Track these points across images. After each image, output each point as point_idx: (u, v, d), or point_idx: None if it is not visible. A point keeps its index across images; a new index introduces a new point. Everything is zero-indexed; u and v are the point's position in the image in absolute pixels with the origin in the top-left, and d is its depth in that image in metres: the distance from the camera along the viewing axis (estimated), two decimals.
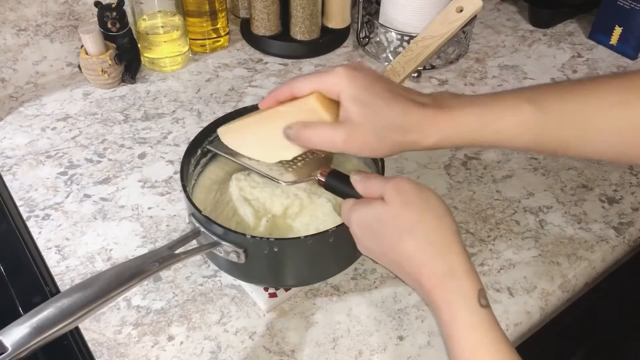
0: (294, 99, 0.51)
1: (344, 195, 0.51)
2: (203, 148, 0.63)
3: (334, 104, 0.49)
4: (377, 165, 0.59)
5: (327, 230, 0.51)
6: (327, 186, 0.53)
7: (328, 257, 0.56)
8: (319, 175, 0.53)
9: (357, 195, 0.49)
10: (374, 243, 0.46)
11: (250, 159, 0.57)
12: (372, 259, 0.49)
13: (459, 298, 0.41)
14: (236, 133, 0.58)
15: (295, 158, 0.56)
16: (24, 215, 0.69)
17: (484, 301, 0.41)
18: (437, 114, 0.47)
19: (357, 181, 0.48)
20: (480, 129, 0.47)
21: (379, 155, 0.49)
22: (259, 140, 0.56)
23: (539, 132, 0.47)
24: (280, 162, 0.56)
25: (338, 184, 0.52)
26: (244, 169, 0.61)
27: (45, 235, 0.66)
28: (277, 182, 0.55)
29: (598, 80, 0.49)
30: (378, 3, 0.95)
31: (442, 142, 0.47)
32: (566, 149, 0.49)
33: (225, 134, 0.58)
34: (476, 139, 0.48)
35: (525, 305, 0.60)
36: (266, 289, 0.59)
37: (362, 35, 0.98)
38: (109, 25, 0.84)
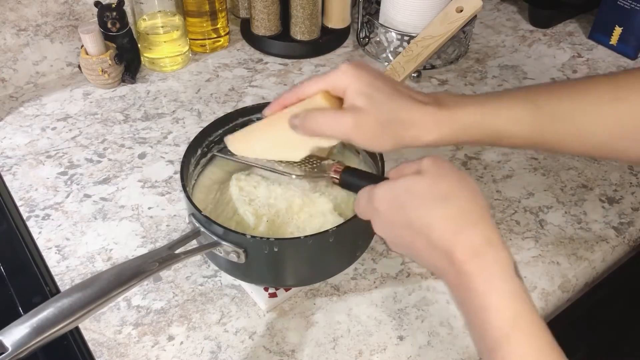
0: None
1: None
2: (203, 148, 0.63)
3: (340, 104, 0.50)
4: (378, 165, 0.59)
5: (327, 230, 0.51)
6: (343, 183, 0.51)
7: (328, 257, 0.56)
8: (332, 173, 0.52)
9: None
10: (398, 215, 0.43)
11: (257, 161, 0.57)
12: (386, 242, 0.46)
13: (496, 268, 0.39)
14: (243, 140, 0.57)
15: (304, 164, 0.55)
16: (24, 215, 0.69)
17: (518, 273, 0.40)
18: (437, 111, 0.48)
19: (391, 170, 0.47)
20: (477, 126, 0.48)
21: (382, 148, 0.49)
22: (266, 144, 0.55)
23: (535, 129, 0.48)
24: (291, 163, 0.56)
25: (355, 179, 0.51)
26: (245, 168, 0.62)
27: (45, 235, 0.66)
28: (289, 176, 0.55)
29: (591, 79, 0.50)
30: (378, 3, 0.95)
31: (442, 138, 0.48)
32: (563, 146, 0.50)
33: (233, 142, 0.58)
34: (474, 135, 0.49)
35: None
36: (266, 289, 0.59)
37: (362, 35, 0.98)
38: (109, 25, 0.84)
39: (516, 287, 0.39)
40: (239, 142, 0.58)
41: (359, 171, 0.52)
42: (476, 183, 0.44)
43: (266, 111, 0.54)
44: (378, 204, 0.45)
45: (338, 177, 0.51)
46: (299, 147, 0.52)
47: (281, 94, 0.53)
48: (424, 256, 0.43)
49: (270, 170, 0.57)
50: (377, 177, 0.50)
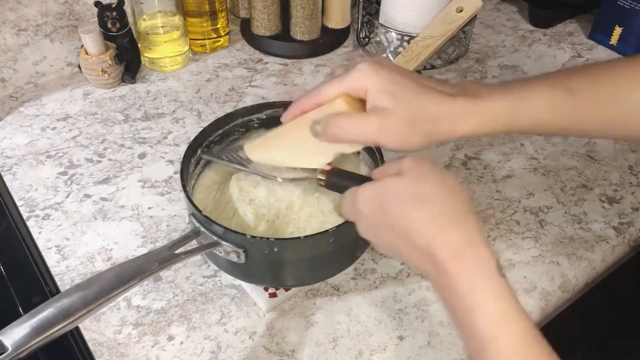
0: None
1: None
2: (203, 148, 0.63)
3: (362, 105, 0.48)
4: (378, 165, 0.59)
5: (327, 230, 0.51)
6: (329, 185, 0.51)
7: (328, 257, 0.56)
8: (319, 174, 0.51)
9: None
10: (381, 217, 0.43)
11: (244, 164, 0.57)
12: (371, 243, 0.46)
13: (479, 267, 0.39)
14: (263, 147, 0.56)
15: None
16: (24, 215, 0.69)
17: (501, 271, 0.39)
18: (468, 102, 0.46)
19: (374, 171, 0.47)
20: (513, 115, 0.47)
21: (414, 147, 0.47)
22: (287, 152, 0.54)
23: (573, 114, 0.47)
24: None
25: (341, 180, 0.50)
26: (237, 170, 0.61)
27: (45, 235, 0.66)
28: (275, 179, 0.55)
29: (627, 61, 0.49)
30: (378, 3, 0.95)
31: (475, 130, 0.47)
32: (602, 131, 0.49)
33: (252, 150, 0.57)
34: (510, 125, 0.47)
35: (525, 305, 0.59)
36: (266, 289, 0.59)
37: (362, 35, 0.98)
38: (109, 25, 0.84)
39: (499, 285, 0.39)
40: (258, 150, 0.56)
41: (345, 172, 0.51)
42: (458, 182, 0.43)
43: (284, 117, 0.53)
44: (361, 205, 0.44)
45: (324, 178, 0.51)
46: (321, 154, 0.51)
47: (299, 99, 0.51)
48: (408, 257, 0.43)
49: (256, 174, 0.56)
50: (363, 178, 0.49)
